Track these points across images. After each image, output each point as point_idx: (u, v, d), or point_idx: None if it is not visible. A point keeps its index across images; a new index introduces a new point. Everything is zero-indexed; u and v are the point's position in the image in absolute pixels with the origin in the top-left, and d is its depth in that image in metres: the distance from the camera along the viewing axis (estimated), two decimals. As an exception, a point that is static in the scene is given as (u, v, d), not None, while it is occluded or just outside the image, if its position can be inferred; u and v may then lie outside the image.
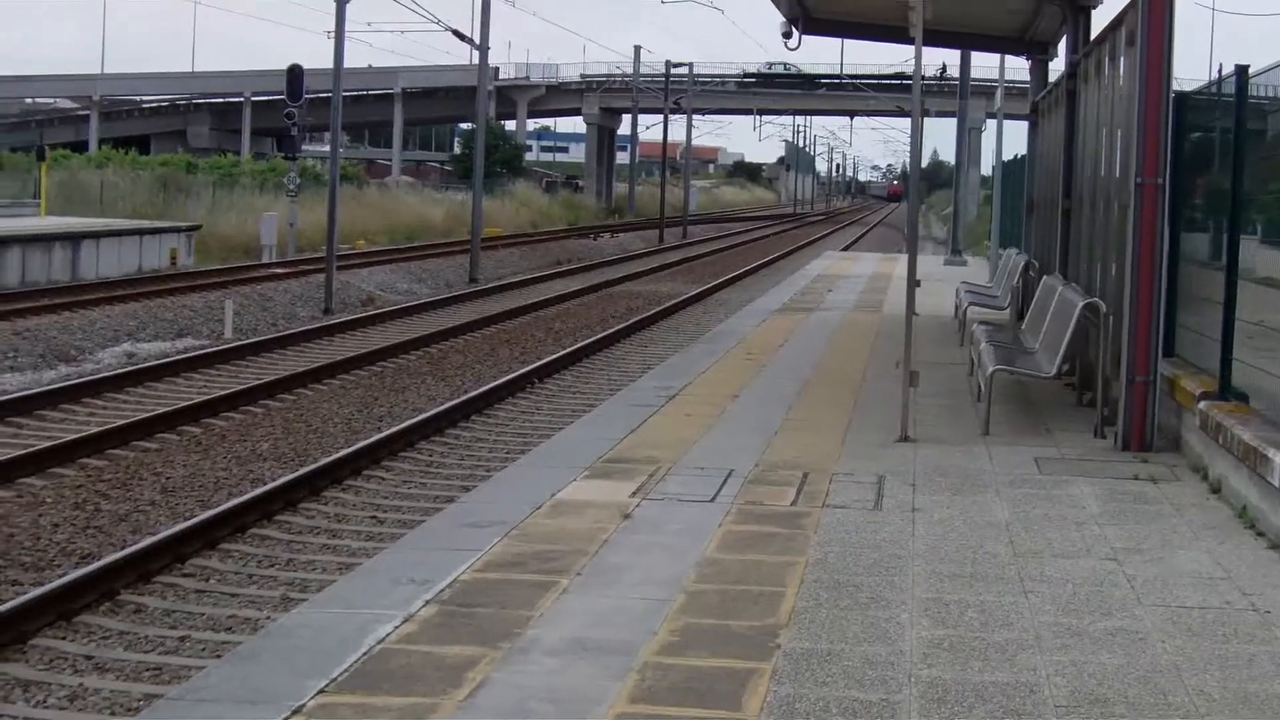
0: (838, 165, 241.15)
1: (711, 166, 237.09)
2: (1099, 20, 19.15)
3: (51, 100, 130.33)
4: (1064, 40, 22.13)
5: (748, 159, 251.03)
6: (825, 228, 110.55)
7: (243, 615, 11.60)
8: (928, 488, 11.91)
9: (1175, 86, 13.95)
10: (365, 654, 7.43)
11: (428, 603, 8.31)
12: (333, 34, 38.51)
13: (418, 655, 7.45)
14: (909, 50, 14.52)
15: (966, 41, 33.42)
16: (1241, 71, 12.40)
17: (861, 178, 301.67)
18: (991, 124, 51.82)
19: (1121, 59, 15.18)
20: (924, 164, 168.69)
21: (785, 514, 10.86)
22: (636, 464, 12.54)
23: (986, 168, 78.30)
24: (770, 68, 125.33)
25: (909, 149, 15.95)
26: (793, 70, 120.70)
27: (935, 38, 25.45)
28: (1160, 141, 13.58)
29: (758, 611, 8.31)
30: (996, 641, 7.89)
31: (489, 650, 7.52)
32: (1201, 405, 12.37)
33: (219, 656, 9.74)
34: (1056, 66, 24.77)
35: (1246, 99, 12.37)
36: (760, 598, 8.58)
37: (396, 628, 7.86)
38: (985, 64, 73.09)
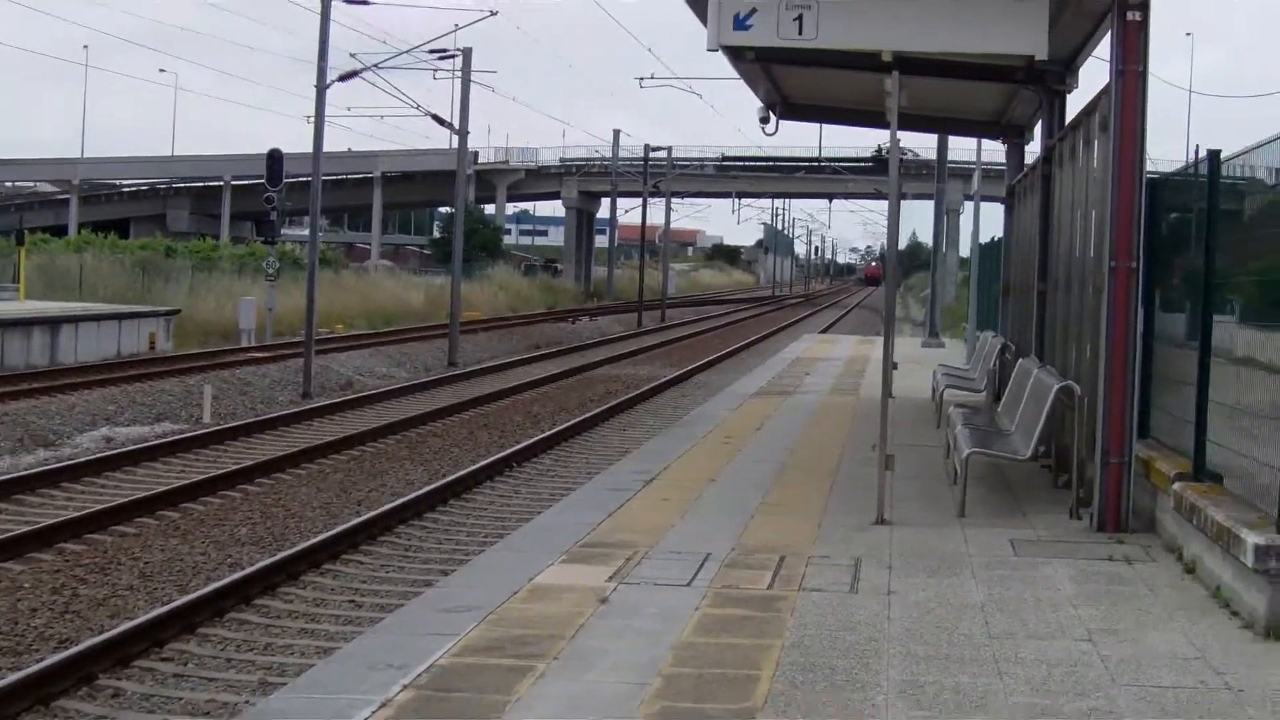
0: (817, 247, 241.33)
1: (690, 249, 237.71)
2: (1074, 105, 19.31)
3: (31, 184, 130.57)
4: (1039, 125, 22.29)
5: (727, 241, 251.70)
6: (804, 310, 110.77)
7: (220, 699, 11.58)
8: (904, 570, 11.95)
9: (1152, 168, 14.07)
10: (342, 739, 7.45)
11: (405, 687, 8.33)
12: (312, 119, 38.71)
13: (395, 740, 7.47)
14: (886, 134, 14.68)
15: (943, 126, 33.64)
16: (1214, 156, 12.53)
17: (840, 260, 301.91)
18: (970, 205, 52.07)
19: (1095, 144, 15.31)
20: (902, 246, 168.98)
21: (762, 597, 10.89)
22: (614, 549, 12.57)
23: (965, 249, 78.62)
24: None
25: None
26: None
27: (912, 122, 25.67)
28: (1133, 225, 13.72)
29: (733, 695, 8.33)
30: (972, 723, 7.92)
31: (466, 734, 7.54)
32: (1176, 486, 12.43)
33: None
34: (1033, 150, 24.94)
35: (1219, 183, 12.50)
36: (736, 681, 8.61)
37: (373, 713, 7.87)
38: (963, 146, 73.41)
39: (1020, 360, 19.97)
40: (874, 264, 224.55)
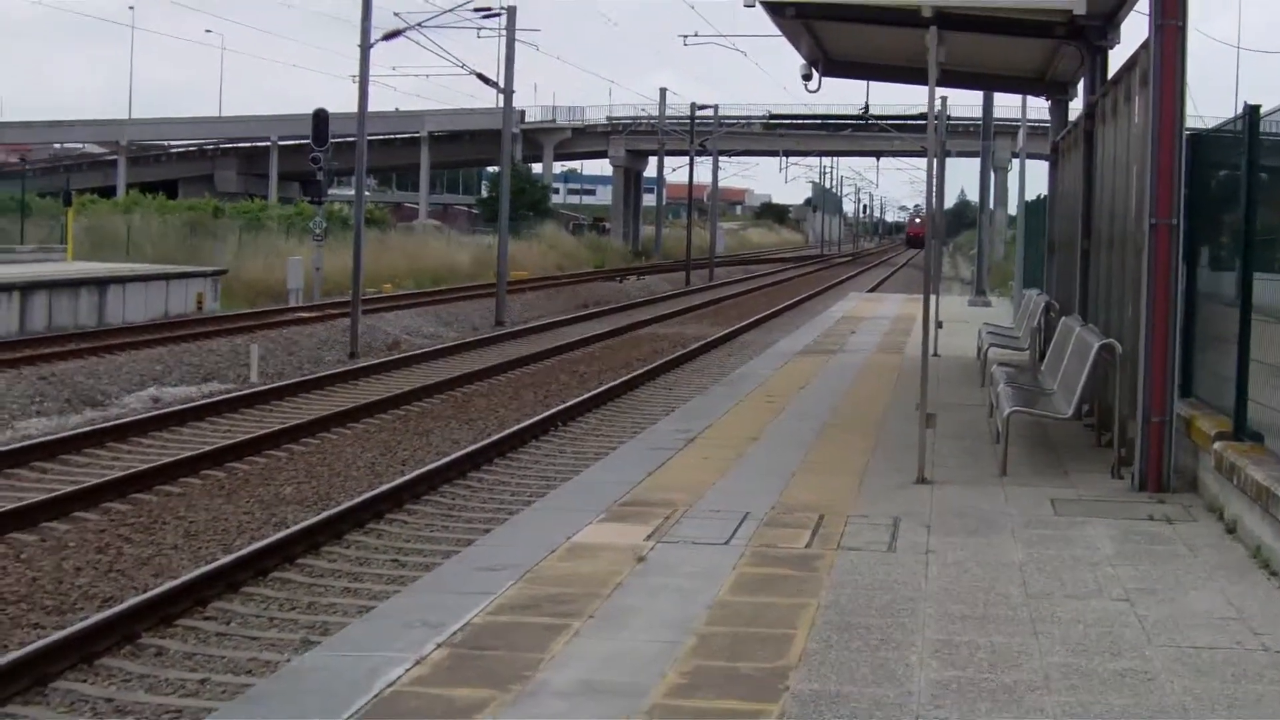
0: (865, 206, 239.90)
1: (739, 208, 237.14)
2: (1116, 61, 19.20)
3: (80, 145, 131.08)
4: (1082, 81, 22.17)
5: (775, 200, 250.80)
6: (852, 269, 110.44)
7: (263, 658, 11.65)
8: (942, 529, 11.93)
9: (1200, 124, 13.96)
10: (375, 697, 7.49)
11: (439, 645, 8.36)
12: (357, 78, 38.73)
13: (427, 698, 7.51)
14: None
15: (985, 82, 33.46)
16: (1253, 111, 12.46)
17: (890, 218, 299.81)
18: (1018, 163, 51.86)
19: (1136, 99, 15.22)
20: (951, 204, 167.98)
21: (799, 556, 10.90)
22: (653, 507, 12.59)
23: (1014, 207, 78.26)
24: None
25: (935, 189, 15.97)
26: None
27: (953, 79, 25.56)
28: (1174, 182, 13.63)
29: (768, 653, 8.35)
30: (1005, 683, 7.92)
31: (498, 693, 7.57)
32: (1217, 445, 12.39)
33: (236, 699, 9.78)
34: (1076, 106, 24.81)
35: (1258, 138, 12.42)
36: (771, 640, 8.62)
37: (407, 670, 7.91)
38: (1009, 103, 73.15)
39: (1063, 318, 19.89)
40: (917, 222, 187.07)
